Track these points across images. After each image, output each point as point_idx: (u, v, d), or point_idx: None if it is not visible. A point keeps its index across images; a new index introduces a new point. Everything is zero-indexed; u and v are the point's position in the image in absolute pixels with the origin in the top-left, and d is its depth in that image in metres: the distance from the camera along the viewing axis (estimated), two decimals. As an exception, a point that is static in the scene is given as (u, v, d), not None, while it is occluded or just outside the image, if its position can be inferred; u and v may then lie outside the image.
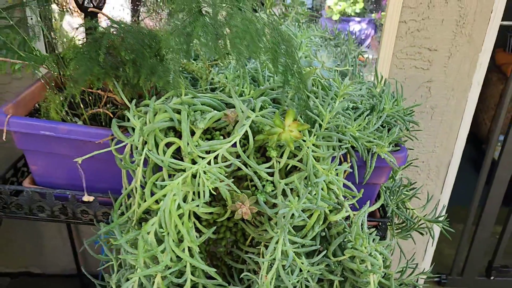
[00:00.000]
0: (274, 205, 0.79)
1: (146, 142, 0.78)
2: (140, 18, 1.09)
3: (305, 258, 0.77)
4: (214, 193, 0.77)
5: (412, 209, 1.09)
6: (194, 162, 0.76)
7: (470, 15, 1.25)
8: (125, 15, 1.19)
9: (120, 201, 0.83)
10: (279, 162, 0.78)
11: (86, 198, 0.85)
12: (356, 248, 0.77)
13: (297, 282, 0.82)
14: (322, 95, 0.88)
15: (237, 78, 0.89)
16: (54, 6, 0.89)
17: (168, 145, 0.78)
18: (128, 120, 0.81)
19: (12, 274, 1.68)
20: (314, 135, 0.78)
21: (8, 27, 0.80)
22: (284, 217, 0.73)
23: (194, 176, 0.75)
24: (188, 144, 0.75)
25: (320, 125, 0.80)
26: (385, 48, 1.28)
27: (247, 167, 0.76)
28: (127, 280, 0.81)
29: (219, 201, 0.82)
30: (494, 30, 1.27)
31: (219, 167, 0.74)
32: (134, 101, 0.81)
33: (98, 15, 0.87)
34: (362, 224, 0.79)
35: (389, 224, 1.03)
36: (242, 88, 0.88)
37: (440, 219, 1.06)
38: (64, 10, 0.90)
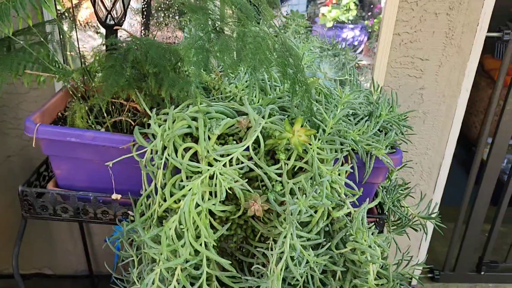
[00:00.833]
0: (282, 203, 0.87)
1: (166, 147, 0.86)
2: (152, 32, 1.17)
3: (311, 251, 0.85)
4: (230, 192, 0.85)
5: (407, 207, 1.18)
6: (210, 165, 0.84)
7: (459, 27, 1.34)
8: (138, 29, 1.28)
9: (141, 201, 0.91)
10: (287, 164, 0.86)
11: (115, 196, 0.93)
12: (357, 240, 0.85)
13: (304, 273, 0.90)
14: (325, 103, 0.97)
15: (246, 88, 0.98)
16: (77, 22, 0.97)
17: (186, 149, 0.86)
18: (148, 127, 0.89)
19: (25, 275, 1.74)
20: (319, 139, 0.86)
21: (38, 43, 0.88)
22: (292, 213, 0.81)
23: (210, 177, 0.83)
24: (205, 148, 0.83)
25: (324, 130, 0.88)
26: (380, 58, 1.37)
27: (258, 169, 0.84)
28: (148, 274, 0.88)
29: (231, 200, 0.90)
30: (481, 41, 1.37)
31: (234, 169, 0.82)
32: (154, 110, 0.89)
33: (119, 31, 0.95)
34: (362, 219, 0.88)
35: (386, 220, 1.12)
36: (252, 97, 0.96)
37: (433, 215, 1.14)
38: (86, 26, 0.97)
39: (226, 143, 0.88)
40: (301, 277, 0.92)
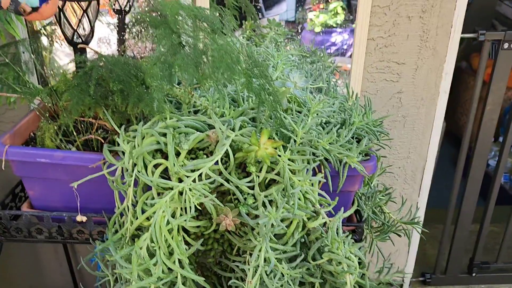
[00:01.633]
0: (256, 216, 0.86)
1: (135, 164, 0.85)
2: (125, 46, 1.16)
3: (285, 264, 0.84)
4: (200, 208, 0.84)
5: (388, 213, 1.17)
6: (180, 180, 0.83)
7: (433, 30, 1.35)
8: (112, 45, 1.27)
9: (113, 220, 0.90)
10: (259, 176, 0.85)
11: (80, 218, 0.92)
12: (333, 251, 0.84)
13: (281, 286, 0.89)
14: (297, 112, 0.96)
15: (217, 101, 0.97)
16: (44, 41, 0.96)
17: (156, 166, 0.85)
18: (119, 144, 0.88)
19: (11, 296, 1.72)
20: (289, 150, 0.85)
21: (4, 64, 0.87)
22: (265, 226, 0.80)
23: (181, 193, 0.82)
24: (174, 164, 0.82)
25: (295, 141, 0.88)
26: (356, 64, 1.36)
27: (229, 183, 0.83)
28: (124, 293, 0.87)
29: (205, 214, 0.89)
30: (456, 42, 1.37)
31: (204, 184, 0.81)
32: (123, 127, 0.88)
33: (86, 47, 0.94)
34: (337, 229, 0.87)
35: (366, 228, 1.11)
36: (223, 109, 0.95)
37: (416, 220, 1.13)
38: (53, 43, 0.97)
39: (197, 158, 0.87)
40: (279, 290, 0.91)
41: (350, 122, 0.98)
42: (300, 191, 0.85)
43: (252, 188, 0.86)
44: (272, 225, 0.80)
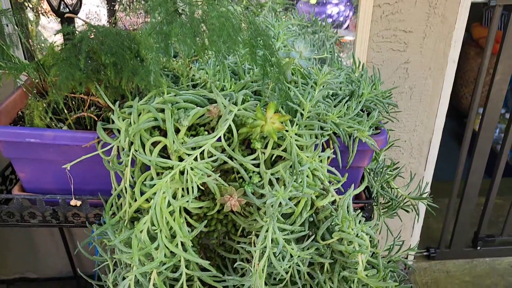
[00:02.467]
0: (262, 195, 0.81)
1: (132, 143, 0.80)
2: (116, 18, 1.09)
3: (295, 244, 0.80)
4: (203, 188, 0.79)
5: (396, 188, 1.12)
6: (181, 159, 0.78)
7: (442, -5, 1.28)
8: (102, 16, 1.19)
9: (110, 202, 0.85)
10: (264, 153, 0.80)
11: (74, 202, 0.87)
12: (343, 230, 0.80)
13: (289, 267, 0.85)
14: (302, 84, 0.90)
15: (217, 73, 0.91)
16: (29, 13, 0.89)
17: (154, 144, 0.80)
18: (113, 122, 0.82)
19: (8, 280, 1.69)
20: (296, 124, 0.80)
21: (-15, 38, 0.80)
22: (272, 206, 0.75)
23: (182, 172, 0.77)
24: (173, 142, 0.76)
25: (302, 114, 0.82)
26: (361, 33, 1.29)
27: (233, 160, 0.78)
28: (124, 278, 0.83)
29: (208, 195, 0.84)
30: (466, 8, 1.30)
31: (206, 162, 0.76)
32: (117, 103, 0.82)
33: (75, 19, 0.87)
34: (347, 207, 0.82)
35: (375, 204, 1.06)
36: (223, 82, 0.89)
37: (424, 195, 1.09)
38: (40, 15, 0.89)
39: (198, 134, 0.81)
40: (287, 272, 0.87)
41: (359, 94, 0.93)
42: (309, 168, 0.80)
43: (258, 166, 0.81)
44: (280, 204, 0.75)
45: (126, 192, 0.82)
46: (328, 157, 0.85)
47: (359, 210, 0.88)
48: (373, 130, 0.89)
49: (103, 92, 0.80)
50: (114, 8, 1.20)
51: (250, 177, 0.80)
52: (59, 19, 0.89)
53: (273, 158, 0.82)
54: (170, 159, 0.77)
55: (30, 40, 0.88)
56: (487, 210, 1.81)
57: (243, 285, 0.86)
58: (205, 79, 0.90)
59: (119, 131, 0.81)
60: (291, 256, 0.79)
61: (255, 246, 0.80)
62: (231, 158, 0.78)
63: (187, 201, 0.77)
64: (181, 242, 0.79)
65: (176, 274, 0.80)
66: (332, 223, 0.82)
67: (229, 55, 0.99)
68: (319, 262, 0.86)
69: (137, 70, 0.77)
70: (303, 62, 0.87)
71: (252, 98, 0.85)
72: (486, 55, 1.42)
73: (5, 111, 0.92)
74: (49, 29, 1.18)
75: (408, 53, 1.35)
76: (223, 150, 0.79)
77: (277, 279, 0.87)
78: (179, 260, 0.80)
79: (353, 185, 0.86)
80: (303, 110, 0.81)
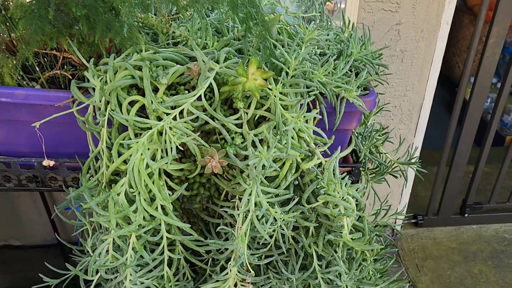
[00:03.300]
0: (245, 158, 0.78)
1: (108, 102, 0.76)
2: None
3: (278, 208, 0.77)
4: (182, 148, 0.76)
5: (385, 153, 1.10)
6: (159, 119, 0.74)
7: (437, -48, 1.22)
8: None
9: (87, 164, 0.81)
10: (247, 113, 0.76)
11: (46, 162, 0.83)
12: (329, 193, 0.78)
13: (273, 231, 0.83)
14: (288, 43, 0.86)
15: (199, 31, 0.86)
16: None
17: (131, 103, 0.76)
18: (88, 80, 0.78)
19: (-9, 248, 1.67)
20: (281, 83, 0.76)
21: None
22: (255, 168, 0.72)
23: (160, 133, 0.73)
24: (152, 101, 0.72)
25: (287, 73, 0.78)
26: (352, -8, 1.24)
27: (214, 120, 0.74)
28: (102, 242, 0.80)
29: (189, 157, 0.81)
30: (461, -34, 1.25)
31: (185, 122, 0.72)
32: (92, 60, 0.77)
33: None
34: (334, 170, 0.80)
35: (363, 169, 1.04)
36: (205, 40, 0.85)
37: (413, 161, 1.07)
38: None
39: (178, 94, 0.78)
40: (271, 236, 0.85)
41: (348, 53, 0.89)
42: (294, 128, 0.77)
43: (240, 126, 0.77)
44: (263, 166, 0.72)
45: (103, 154, 0.79)
46: (315, 119, 0.82)
47: (346, 174, 0.86)
48: (361, 90, 0.86)
49: (76, 48, 0.76)
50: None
51: (233, 138, 0.77)
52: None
53: (257, 118, 0.79)
54: (149, 119, 0.74)
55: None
56: (476, 178, 1.81)
57: (226, 249, 0.85)
58: (186, 36, 0.85)
59: (94, 90, 0.77)
60: (275, 219, 0.77)
61: (238, 210, 0.77)
62: (212, 118, 0.75)
63: (166, 163, 0.74)
64: (162, 205, 0.76)
65: (156, 238, 0.78)
66: (318, 186, 0.80)
67: (212, 12, 0.94)
68: (304, 226, 0.84)
69: (112, 24, 0.72)
70: (289, 18, 0.83)
71: (236, 57, 0.81)
72: (480, 21, 1.38)
73: (-26, 70, 0.87)
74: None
75: (400, 14, 1.30)
76: (204, 110, 0.75)
77: (260, 243, 0.85)
78: (160, 224, 0.78)
79: (339, 147, 0.83)
80: (288, 68, 0.77)
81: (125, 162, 0.76)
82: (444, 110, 2.79)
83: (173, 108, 0.73)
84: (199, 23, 0.87)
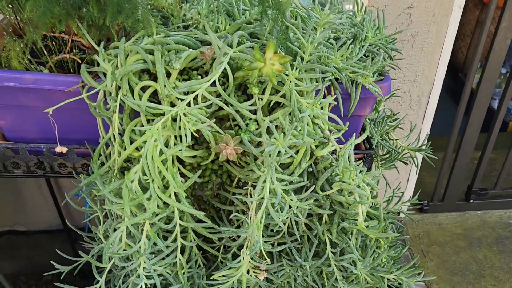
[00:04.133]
0: (259, 144, 0.76)
1: (119, 87, 0.74)
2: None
3: (293, 195, 0.76)
4: (197, 135, 0.74)
5: (396, 140, 1.09)
6: (172, 105, 0.72)
7: None
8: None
9: (98, 151, 0.80)
10: (262, 99, 0.75)
11: (59, 149, 0.81)
12: (344, 181, 0.77)
13: (287, 218, 0.82)
14: (302, 27, 0.84)
15: (210, 13, 0.84)
16: None
17: (143, 89, 0.74)
18: (98, 65, 0.76)
19: (-4, 233, 1.67)
20: (296, 68, 0.74)
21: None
22: (270, 155, 0.71)
23: (174, 119, 0.72)
24: (165, 86, 0.70)
25: (302, 58, 0.76)
26: (363, -26, 1.21)
27: (228, 106, 0.73)
28: (115, 230, 0.79)
29: (201, 144, 0.80)
30: None
31: (200, 108, 0.71)
32: (102, 44, 0.75)
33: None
34: (349, 157, 0.78)
35: (374, 155, 1.03)
36: (217, 23, 0.82)
37: (423, 147, 1.06)
38: None
39: (191, 79, 0.76)
40: (285, 224, 0.84)
41: (362, 38, 0.87)
42: (309, 115, 0.76)
43: (254, 112, 0.76)
44: (279, 153, 0.71)
45: (115, 140, 0.77)
46: (329, 105, 0.81)
47: (359, 161, 0.84)
48: (376, 76, 0.84)
49: (85, 31, 0.73)
50: None
51: (247, 125, 0.75)
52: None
53: (271, 105, 0.77)
54: (161, 105, 0.72)
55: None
56: (482, 164, 1.80)
57: (239, 236, 0.84)
58: (197, 19, 0.83)
59: (105, 75, 0.75)
60: (290, 207, 0.76)
61: (251, 197, 0.76)
62: (226, 104, 0.73)
63: (180, 150, 0.72)
64: (175, 192, 0.75)
65: (170, 225, 0.77)
66: (332, 174, 0.79)
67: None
68: (317, 213, 0.83)
69: (122, 6, 0.69)
70: (303, 1, 0.81)
71: (248, 41, 0.79)
72: (492, 5, 1.35)
73: (-20, 54, 0.84)
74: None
75: (412, -2, 1.28)
76: (217, 96, 0.74)
77: (275, 231, 0.84)
78: (173, 212, 0.77)
79: (354, 134, 0.81)
80: (303, 53, 0.75)
81: (137, 149, 0.74)
82: (446, 95, 2.77)
83: (186, 93, 0.72)
84: (210, 5, 0.85)
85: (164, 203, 0.75)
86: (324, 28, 0.79)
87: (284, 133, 0.72)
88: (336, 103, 0.80)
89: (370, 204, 0.83)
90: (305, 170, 0.80)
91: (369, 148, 0.95)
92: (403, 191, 0.97)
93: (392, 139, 1.09)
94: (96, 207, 0.85)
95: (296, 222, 0.84)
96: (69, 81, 0.77)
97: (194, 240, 0.84)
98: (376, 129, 1.02)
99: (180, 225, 0.78)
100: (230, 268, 0.83)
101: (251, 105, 0.74)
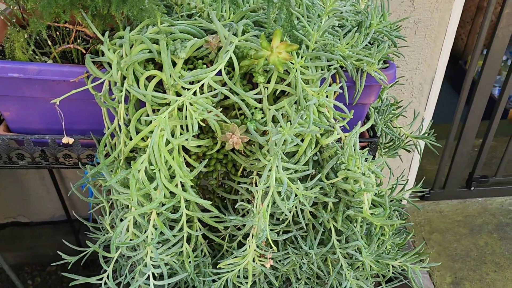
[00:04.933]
0: (264, 133, 0.76)
1: (125, 77, 0.74)
2: None
3: (299, 183, 0.77)
4: (203, 124, 0.74)
5: (399, 127, 1.09)
6: (178, 94, 0.72)
7: None
8: None
9: (104, 141, 0.80)
10: (267, 88, 0.75)
11: (66, 140, 0.81)
12: (349, 169, 0.77)
13: (292, 207, 0.83)
14: (307, 14, 0.83)
15: (214, 2, 0.83)
16: None
17: (149, 78, 0.74)
18: (103, 54, 0.75)
19: (1, 225, 1.67)
20: (302, 56, 0.74)
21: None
22: (276, 144, 0.71)
23: (179, 109, 0.71)
24: (170, 75, 0.70)
25: (308, 46, 0.76)
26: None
27: (234, 95, 0.73)
28: (122, 220, 0.80)
29: (207, 133, 0.80)
30: None
31: (206, 98, 0.70)
32: (107, 34, 0.75)
33: None
34: (354, 145, 0.78)
35: (378, 144, 1.03)
36: (221, 12, 0.82)
37: (426, 134, 1.06)
38: None
39: (196, 68, 0.75)
40: (290, 212, 0.85)
41: (367, 25, 0.86)
42: (314, 104, 0.75)
43: (260, 101, 0.76)
44: (285, 142, 0.71)
45: (120, 130, 0.77)
46: (334, 93, 0.81)
47: (364, 149, 0.84)
48: (381, 64, 0.84)
49: (90, 21, 0.73)
50: None
51: (252, 114, 0.75)
52: None
53: (277, 93, 0.77)
54: (167, 95, 0.72)
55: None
56: (483, 152, 1.81)
57: (244, 225, 0.84)
58: (201, 8, 0.83)
59: (110, 65, 0.75)
60: (296, 195, 0.76)
61: (257, 186, 0.76)
62: (232, 92, 0.73)
63: (186, 139, 0.72)
64: (181, 182, 0.75)
65: (176, 215, 0.77)
66: (338, 162, 0.79)
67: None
68: (322, 201, 0.84)
69: (127, -5, 0.69)
70: (308, -11, 0.80)
71: (253, 29, 0.78)
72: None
73: (-17, 44, 0.84)
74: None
75: (415, -17, 1.27)
76: (223, 84, 0.73)
77: (280, 219, 0.85)
78: (179, 201, 0.77)
79: (359, 122, 0.81)
80: (309, 41, 0.75)
81: (142, 139, 0.74)
82: (446, 82, 2.77)
83: (191, 83, 0.72)
84: (213, -6, 0.84)
85: (171, 192, 0.75)
86: (329, 16, 0.79)
87: (290, 121, 0.72)
88: (341, 91, 0.80)
89: (375, 192, 0.83)
90: (311, 159, 0.80)
91: (374, 136, 0.96)
92: (407, 179, 0.97)
93: (396, 127, 1.09)
94: (102, 197, 0.85)
95: (302, 211, 0.84)
96: (74, 72, 0.76)
97: (200, 229, 0.85)
98: (380, 117, 1.02)
99: (186, 214, 0.79)
100: (236, 257, 0.83)
101: (256, 94, 0.74)
